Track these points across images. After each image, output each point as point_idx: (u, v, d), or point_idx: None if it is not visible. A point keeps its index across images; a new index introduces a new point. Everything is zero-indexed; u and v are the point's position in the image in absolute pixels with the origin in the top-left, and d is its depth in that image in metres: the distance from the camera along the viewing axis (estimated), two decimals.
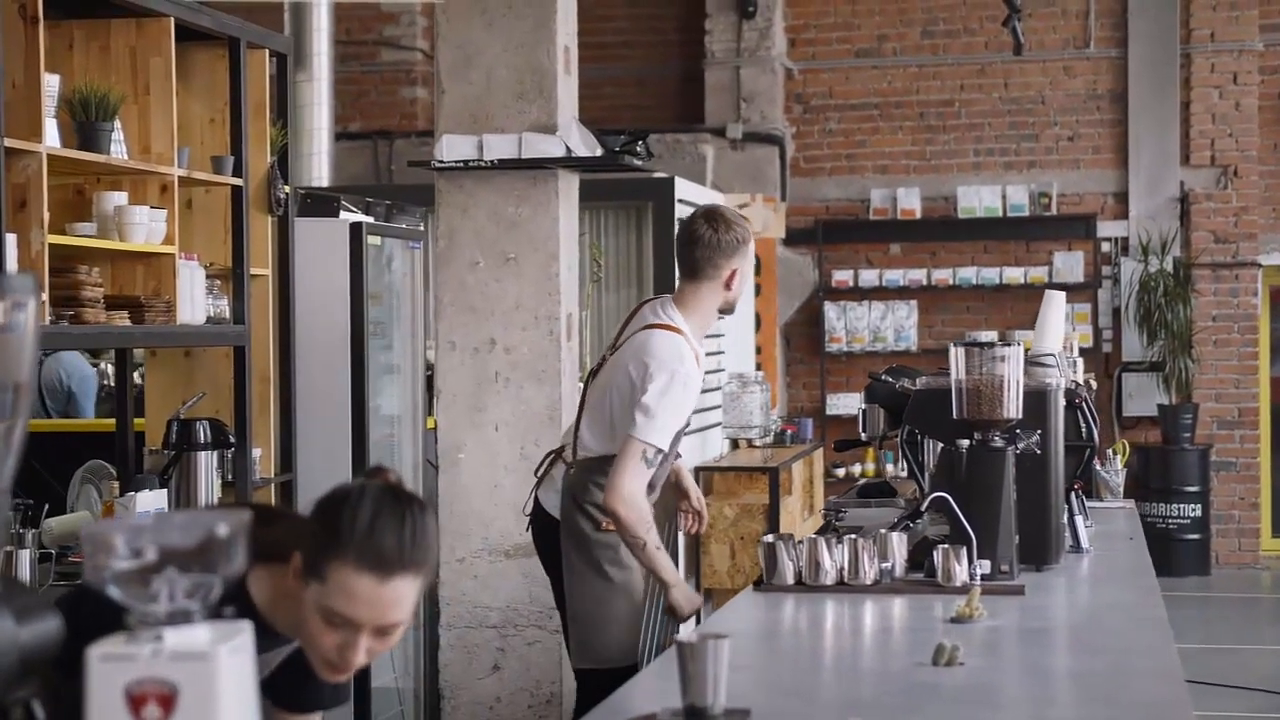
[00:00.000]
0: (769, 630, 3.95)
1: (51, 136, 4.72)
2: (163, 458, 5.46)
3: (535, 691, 6.52)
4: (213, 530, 1.77)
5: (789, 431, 10.93)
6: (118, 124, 5.00)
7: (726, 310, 5.02)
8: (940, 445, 4.68)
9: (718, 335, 10.55)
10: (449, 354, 6.46)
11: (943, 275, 13.44)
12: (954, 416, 4.55)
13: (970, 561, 4.35)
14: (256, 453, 5.89)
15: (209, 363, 5.82)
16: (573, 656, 5.08)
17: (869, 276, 13.55)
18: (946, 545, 4.35)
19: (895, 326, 13.48)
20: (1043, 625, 3.94)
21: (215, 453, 5.48)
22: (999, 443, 4.53)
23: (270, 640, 2.71)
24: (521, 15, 6.60)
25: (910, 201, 13.56)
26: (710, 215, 5.03)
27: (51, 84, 4.75)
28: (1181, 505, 12.87)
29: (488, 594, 6.58)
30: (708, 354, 10.14)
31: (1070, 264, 13.31)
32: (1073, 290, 13.29)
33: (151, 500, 5.01)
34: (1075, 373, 7.03)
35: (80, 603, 2.42)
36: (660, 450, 4.81)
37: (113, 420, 5.85)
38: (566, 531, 4.98)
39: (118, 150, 4.98)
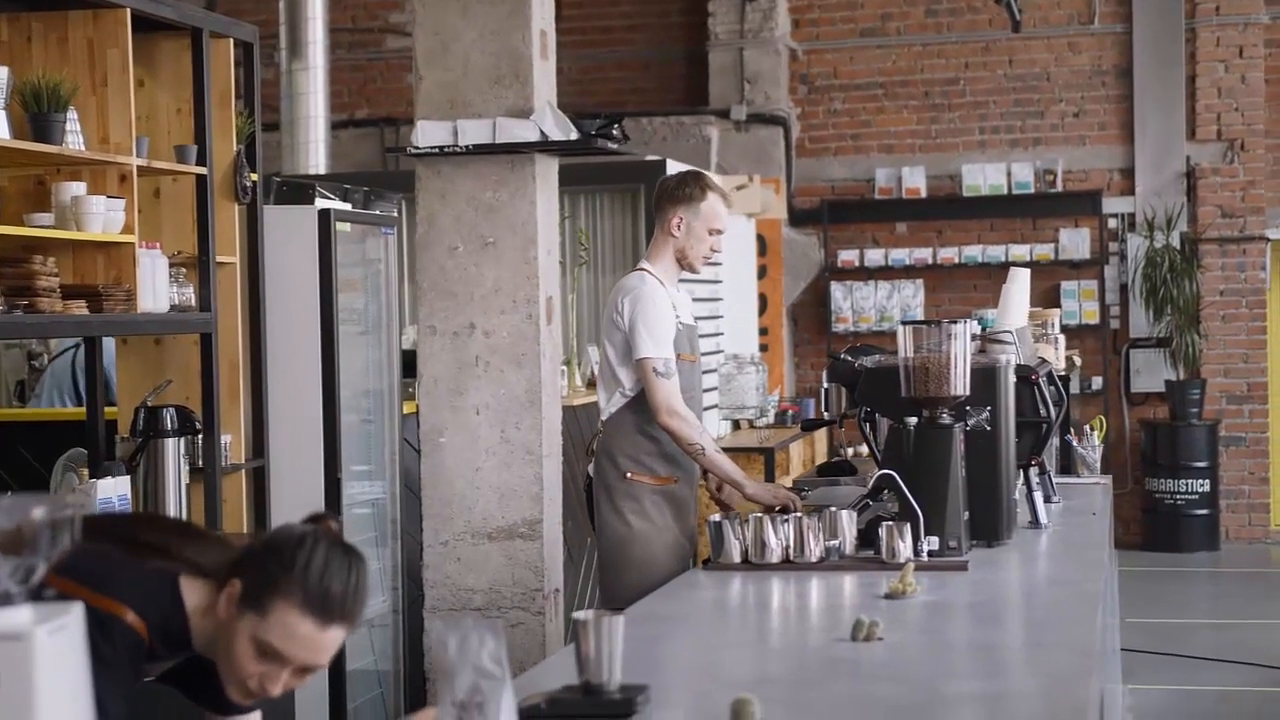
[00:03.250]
0: (706, 608, 3.98)
1: (1, 128, 4.76)
2: (132, 445, 5.50)
3: (519, 673, 6.55)
4: (30, 514, 1.80)
5: (790, 412, 10.94)
6: (73, 115, 5.03)
7: (682, 261, 5.55)
8: (889, 423, 4.69)
9: (715, 317, 10.58)
10: (429, 339, 6.48)
11: (948, 254, 13.43)
12: (902, 395, 4.57)
13: (917, 538, 4.38)
14: (227, 439, 5.93)
15: (179, 351, 5.86)
16: (601, 601, 5.63)
17: (875, 256, 13.55)
18: (891, 522, 4.37)
19: (901, 306, 13.48)
20: (975, 600, 3.95)
21: (182, 439, 5.53)
22: (947, 420, 4.55)
23: (188, 651, 2.80)
24: (497, 1, 6.60)
25: (915, 180, 13.55)
26: (680, 173, 5.79)
27: (0, 75, 4.79)
28: (1190, 481, 12.85)
29: (471, 576, 6.61)
30: (706, 335, 10.18)
31: (1076, 241, 13.28)
32: (1079, 267, 13.29)
33: (114, 487, 5.06)
34: (1056, 349, 7.03)
35: None
36: (667, 359, 5.34)
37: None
38: (598, 483, 5.55)
39: (74, 141, 5.01)
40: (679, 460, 5.52)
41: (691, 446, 5.39)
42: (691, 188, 5.58)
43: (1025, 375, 5.12)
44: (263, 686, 2.71)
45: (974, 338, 4.99)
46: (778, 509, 5.15)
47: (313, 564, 2.67)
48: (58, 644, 1.83)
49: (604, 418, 5.61)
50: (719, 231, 5.58)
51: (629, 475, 5.48)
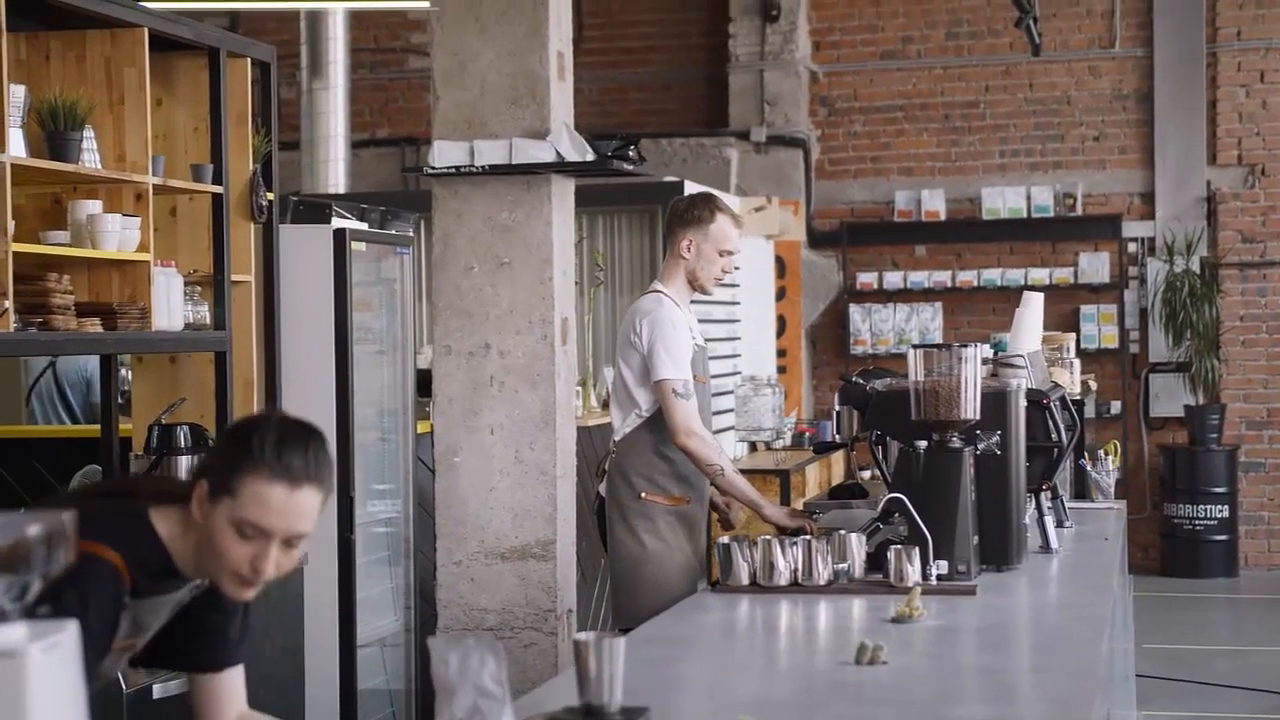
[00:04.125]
0: (713, 630, 3.98)
1: (17, 146, 4.78)
2: (146, 462, 5.52)
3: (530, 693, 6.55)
4: (25, 531, 1.81)
5: (807, 434, 10.94)
6: (89, 133, 5.06)
7: (693, 282, 5.61)
8: (899, 446, 4.69)
9: (733, 339, 10.59)
10: (444, 358, 6.49)
11: (967, 277, 13.42)
12: (912, 418, 4.57)
13: (926, 562, 4.37)
14: None
15: (194, 369, 5.88)
16: (614, 621, 5.69)
17: (894, 279, 13.54)
18: (900, 546, 4.37)
19: (920, 328, 13.47)
20: (981, 625, 3.95)
21: (195, 457, 5.55)
22: (957, 443, 4.55)
23: (175, 580, 2.90)
24: (514, 22, 6.61)
25: (935, 203, 13.54)
26: (690, 195, 5.88)
27: (17, 94, 4.82)
28: (1209, 506, 12.81)
29: (484, 597, 6.60)
30: (722, 357, 10.18)
31: (1096, 265, 13.26)
32: (1099, 291, 13.27)
33: None
34: (1072, 373, 7.02)
35: None
36: (685, 380, 5.41)
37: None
38: (611, 502, 5.60)
39: (90, 159, 5.04)
40: (692, 480, 5.54)
41: (711, 467, 5.43)
42: (701, 210, 5.64)
43: (1037, 399, 5.11)
44: (255, 570, 2.79)
45: (985, 362, 4.99)
46: (791, 531, 5.16)
47: (268, 438, 2.79)
48: (51, 661, 1.83)
49: (618, 438, 5.65)
50: (730, 253, 5.63)
51: (643, 495, 5.52)
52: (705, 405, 5.65)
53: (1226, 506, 12.84)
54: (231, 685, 3.12)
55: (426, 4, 6.00)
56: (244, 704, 3.15)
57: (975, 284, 13.40)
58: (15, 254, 4.85)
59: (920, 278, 13.50)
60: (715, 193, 6.10)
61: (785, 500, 9.05)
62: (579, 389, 8.66)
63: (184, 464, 5.53)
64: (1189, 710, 8.66)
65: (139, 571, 2.83)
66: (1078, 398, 6.62)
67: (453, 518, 6.47)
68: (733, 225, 5.66)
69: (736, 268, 5.94)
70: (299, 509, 2.78)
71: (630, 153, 6.78)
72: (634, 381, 5.55)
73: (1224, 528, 12.84)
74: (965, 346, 4.57)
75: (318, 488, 2.82)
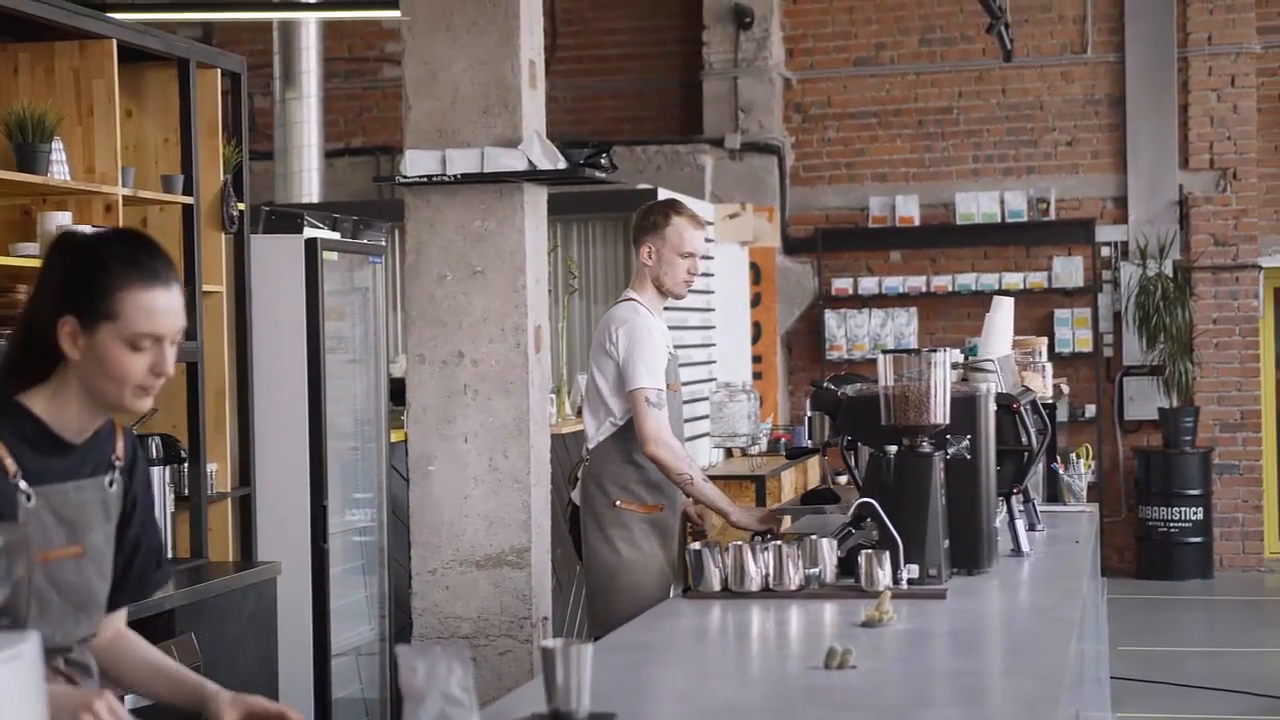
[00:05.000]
0: (684, 636, 3.99)
1: None
2: None
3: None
4: None
5: (783, 440, 10.95)
6: (59, 144, 5.06)
7: (660, 288, 5.65)
8: (870, 451, 4.71)
9: (708, 345, 10.60)
10: (418, 367, 6.49)
11: (942, 282, 13.46)
12: (882, 423, 4.59)
13: (896, 566, 4.38)
14: (213, 467, 5.95)
15: (165, 380, 5.87)
16: (590, 628, 5.74)
17: (869, 284, 13.58)
18: (870, 550, 4.38)
19: (895, 334, 13.50)
20: (951, 628, 3.96)
21: (167, 468, 5.54)
22: (926, 448, 4.57)
23: (63, 451, 2.86)
24: (486, 31, 6.62)
25: (909, 209, 13.58)
26: (648, 204, 5.97)
27: None
28: (1183, 509, 12.85)
29: (459, 604, 6.61)
30: (697, 363, 10.19)
31: (1070, 269, 13.31)
32: (1072, 295, 13.31)
33: None
34: (1044, 377, 7.05)
35: None
36: (659, 389, 5.43)
37: None
38: (586, 510, 5.63)
39: (59, 171, 5.04)
40: (664, 488, 5.56)
41: (680, 476, 5.46)
42: (656, 216, 5.71)
43: (1007, 404, 5.13)
44: (155, 374, 2.83)
45: (955, 366, 5.01)
46: (760, 533, 5.18)
47: (120, 253, 2.81)
48: (10, 674, 1.84)
49: (591, 445, 5.68)
50: (690, 254, 5.66)
51: (618, 504, 5.56)
52: (677, 412, 5.68)
53: (1201, 509, 12.89)
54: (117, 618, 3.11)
55: (399, 13, 6.00)
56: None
57: (950, 289, 13.45)
58: None
59: (895, 283, 13.53)
60: (678, 197, 6.12)
61: (761, 505, 9.07)
62: (553, 396, 8.66)
63: (156, 475, 5.53)
64: (1165, 712, 8.69)
65: (15, 442, 2.79)
66: (1049, 401, 6.64)
67: (427, 526, 6.47)
68: (691, 227, 5.68)
69: (709, 274, 5.97)
70: (177, 306, 2.84)
71: (602, 161, 6.79)
72: (608, 390, 5.58)
73: (1199, 530, 12.89)
74: (934, 351, 4.58)
75: (178, 281, 2.89)
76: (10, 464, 2.78)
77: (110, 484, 2.95)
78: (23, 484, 2.79)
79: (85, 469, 2.91)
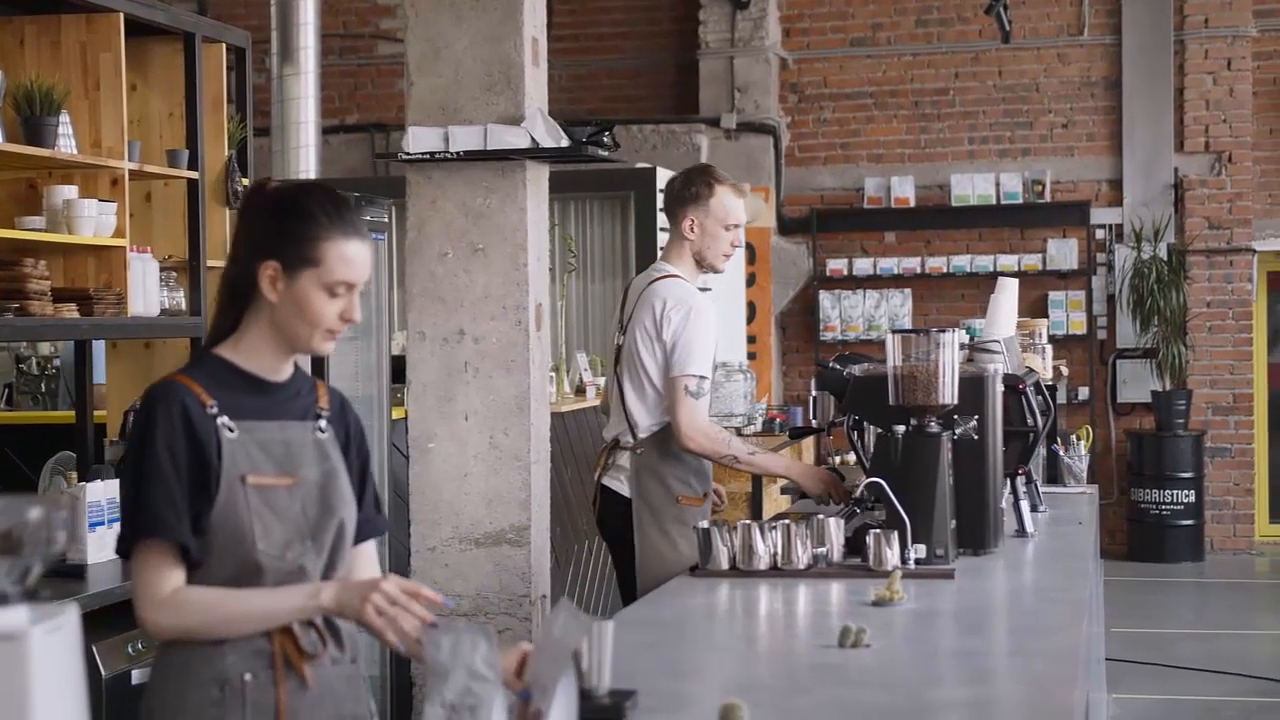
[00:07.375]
0: (694, 614, 3.99)
1: None
2: (121, 448, 5.51)
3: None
4: (25, 515, 1.82)
5: (778, 420, 10.96)
6: (66, 118, 5.04)
7: (700, 262, 5.37)
8: (877, 431, 4.71)
9: None
10: (419, 344, 6.48)
11: (937, 263, 13.46)
12: (890, 403, 4.59)
13: (904, 546, 4.39)
14: None
15: (170, 354, 5.87)
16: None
17: (863, 265, 13.58)
18: (879, 530, 4.39)
19: (890, 315, 13.51)
20: (961, 608, 3.97)
21: None
22: (934, 428, 4.57)
23: (258, 389, 3.03)
24: (489, 8, 6.60)
25: (905, 190, 13.58)
26: (685, 171, 5.59)
27: None
28: (1175, 491, 12.89)
29: (459, 582, 6.61)
30: None
31: (1064, 251, 13.32)
32: (1067, 277, 13.33)
33: (103, 490, 5.05)
34: (1044, 359, 7.06)
35: None
36: (702, 377, 5.15)
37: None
38: (641, 504, 5.31)
39: (66, 145, 5.03)
40: (707, 472, 5.45)
41: (724, 459, 5.25)
42: (698, 185, 5.37)
43: (1013, 385, 5.13)
44: (345, 320, 3.00)
45: (962, 347, 5.01)
46: (821, 498, 5.15)
47: (325, 205, 2.99)
48: (53, 644, 1.84)
49: (642, 434, 5.33)
50: (735, 225, 5.36)
51: (681, 499, 5.30)
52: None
53: (1193, 491, 12.92)
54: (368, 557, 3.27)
55: None
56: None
57: (944, 270, 13.45)
58: None
59: (890, 264, 13.54)
60: (710, 166, 5.88)
61: (756, 487, 9.08)
62: (553, 375, 8.66)
63: None
64: (1157, 693, 8.72)
65: (211, 384, 2.97)
66: (1050, 383, 6.65)
67: (427, 504, 6.47)
68: (734, 195, 5.38)
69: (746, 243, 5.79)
70: (369, 258, 3.06)
71: (605, 139, 6.79)
72: (659, 375, 5.26)
73: (1190, 513, 12.92)
74: (943, 331, 4.58)
75: (369, 235, 3.11)
76: (209, 399, 2.95)
77: (320, 430, 3.10)
78: (223, 418, 2.96)
79: (293, 412, 3.08)
